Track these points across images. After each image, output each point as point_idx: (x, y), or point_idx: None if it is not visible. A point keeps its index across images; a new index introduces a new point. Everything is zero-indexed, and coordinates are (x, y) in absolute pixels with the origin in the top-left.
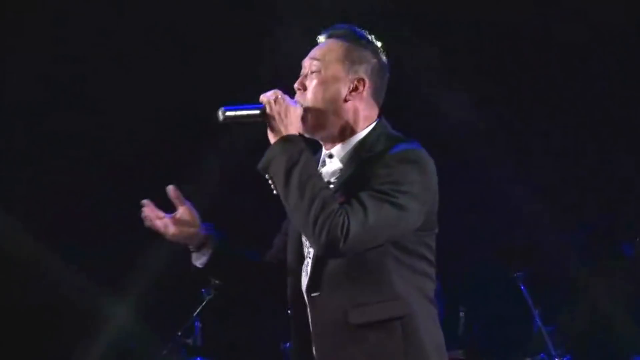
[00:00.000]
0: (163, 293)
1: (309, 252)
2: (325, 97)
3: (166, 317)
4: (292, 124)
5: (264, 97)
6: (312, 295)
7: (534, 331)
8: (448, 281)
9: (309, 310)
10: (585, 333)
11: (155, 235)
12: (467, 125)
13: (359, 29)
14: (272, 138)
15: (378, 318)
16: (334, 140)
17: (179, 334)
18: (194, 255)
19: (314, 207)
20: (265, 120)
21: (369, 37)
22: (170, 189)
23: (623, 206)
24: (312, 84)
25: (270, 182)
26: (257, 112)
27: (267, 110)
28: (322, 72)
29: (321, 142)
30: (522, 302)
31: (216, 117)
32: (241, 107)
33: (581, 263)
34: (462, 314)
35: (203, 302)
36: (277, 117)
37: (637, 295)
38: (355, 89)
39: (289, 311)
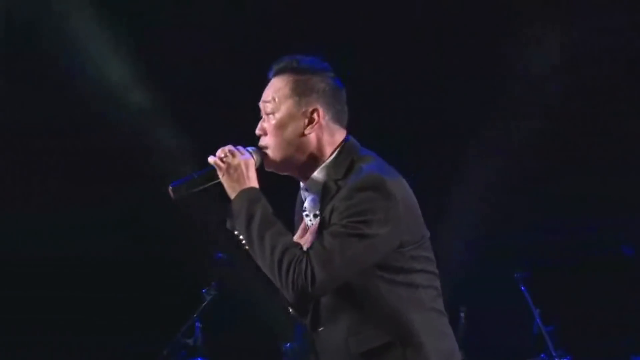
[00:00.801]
0: (164, 293)
1: None
2: (285, 138)
3: (167, 317)
4: (247, 177)
5: (211, 159)
6: (317, 330)
7: (535, 332)
8: (448, 282)
9: (315, 343)
10: (586, 333)
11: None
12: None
13: (301, 58)
14: (231, 195)
15: (376, 344)
16: (305, 174)
17: (180, 334)
18: None
19: (275, 258)
20: (217, 182)
21: (313, 63)
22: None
23: (624, 206)
24: (269, 127)
25: (240, 238)
26: (208, 176)
27: (218, 172)
28: (276, 113)
29: (296, 178)
30: (522, 303)
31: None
32: (189, 177)
33: (582, 263)
34: (462, 315)
35: (204, 302)
36: (227, 176)
37: (636, 296)
38: (311, 120)
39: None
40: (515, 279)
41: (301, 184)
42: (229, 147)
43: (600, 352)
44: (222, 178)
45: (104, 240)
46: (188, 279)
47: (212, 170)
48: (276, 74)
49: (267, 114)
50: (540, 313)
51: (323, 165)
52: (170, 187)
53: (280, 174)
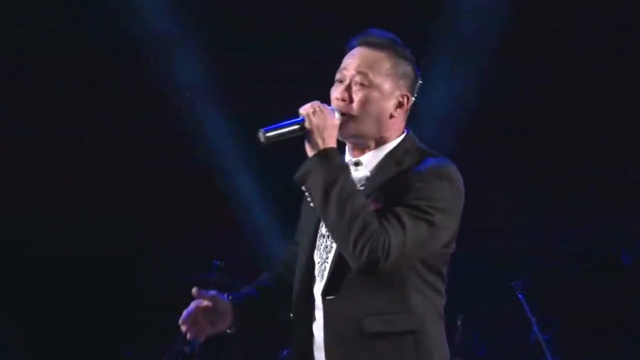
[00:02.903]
0: (159, 300)
1: (326, 256)
2: (372, 112)
3: (163, 324)
4: (331, 136)
5: (303, 110)
6: (328, 298)
7: (532, 340)
8: (445, 290)
9: (322, 313)
10: (583, 342)
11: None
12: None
13: (399, 39)
14: (309, 151)
15: (393, 329)
16: (364, 148)
17: (176, 341)
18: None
19: (354, 227)
20: (303, 133)
21: (407, 48)
22: (194, 291)
23: (622, 213)
24: (358, 96)
25: (307, 193)
26: (296, 126)
27: (307, 124)
28: (370, 86)
29: (349, 147)
30: (519, 311)
31: (257, 139)
32: (280, 124)
33: (579, 271)
34: (459, 323)
35: None
36: (315, 130)
37: (634, 304)
38: (400, 105)
39: (291, 315)
40: (512, 287)
41: (348, 155)
42: (318, 103)
43: None
44: (309, 132)
45: (96, 241)
46: (185, 285)
47: (301, 122)
48: (372, 46)
49: (359, 84)
50: (537, 321)
51: (385, 146)
52: (262, 131)
53: (340, 139)
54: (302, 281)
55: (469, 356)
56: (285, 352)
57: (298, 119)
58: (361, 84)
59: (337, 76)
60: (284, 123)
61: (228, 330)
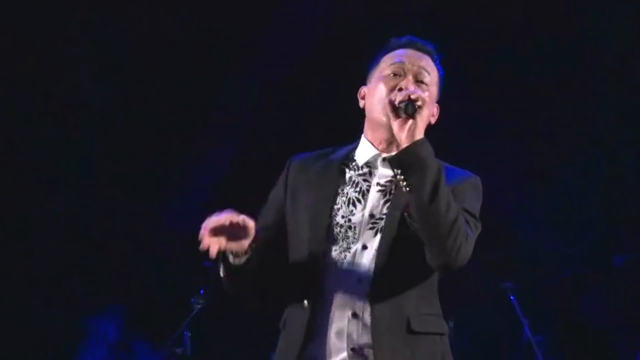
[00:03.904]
0: (153, 302)
1: (347, 245)
2: (426, 114)
3: (156, 327)
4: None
5: (418, 95)
6: (378, 293)
7: (524, 341)
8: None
9: (365, 306)
10: (575, 343)
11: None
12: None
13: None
14: (410, 138)
15: (430, 330)
16: (392, 147)
17: (169, 343)
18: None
19: (456, 226)
20: (409, 117)
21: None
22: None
23: (614, 216)
24: (425, 93)
25: (401, 175)
26: (410, 110)
27: (418, 112)
28: (429, 88)
29: (381, 139)
30: (511, 313)
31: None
32: (408, 101)
33: (571, 273)
34: (451, 325)
35: (193, 311)
36: (421, 120)
37: (626, 306)
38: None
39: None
40: (504, 289)
41: (373, 149)
42: (421, 92)
43: None
44: (416, 121)
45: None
46: (177, 288)
47: (413, 107)
48: (428, 54)
49: (423, 83)
50: (530, 323)
51: None
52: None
53: (387, 124)
54: (310, 268)
55: (461, 358)
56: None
57: (410, 102)
58: (424, 82)
59: (393, 69)
60: (406, 102)
61: (236, 260)
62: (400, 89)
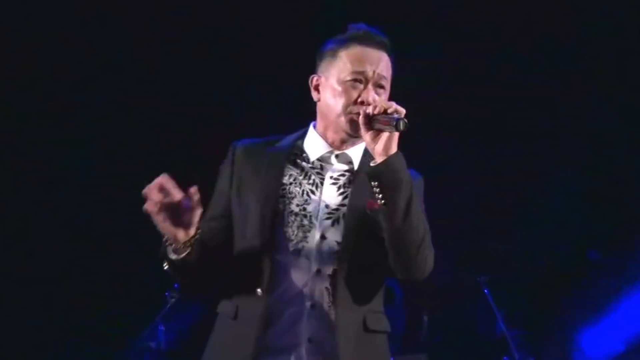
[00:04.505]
0: (126, 296)
1: (303, 235)
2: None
3: (129, 321)
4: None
5: (402, 111)
6: (336, 292)
7: (498, 335)
8: (411, 285)
9: (330, 307)
10: (549, 337)
11: (118, 236)
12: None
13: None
14: (386, 152)
15: (382, 328)
16: (346, 143)
17: (143, 337)
18: (169, 249)
19: (426, 238)
20: (391, 131)
21: None
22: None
23: (590, 212)
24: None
25: (377, 188)
26: (394, 125)
27: (398, 127)
28: (386, 91)
29: (335, 139)
30: (485, 306)
31: (400, 125)
32: (391, 117)
33: (545, 267)
34: (425, 319)
35: (167, 305)
36: (396, 134)
37: (600, 301)
38: None
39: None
40: (478, 282)
41: (325, 145)
42: (399, 107)
43: (562, 356)
44: (393, 134)
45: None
46: (151, 281)
47: (400, 123)
48: (384, 48)
49: (382, 88)
50: (504, 316)
51: (361, 145)
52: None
53: (350, 134)
54: (263, 257)
55: (435, 352)
56: None
57: (397, 117)
58: (383, 87)
59: (354, 76)
60: (394, 117)
61: (177, 256)
62: (363, 102)
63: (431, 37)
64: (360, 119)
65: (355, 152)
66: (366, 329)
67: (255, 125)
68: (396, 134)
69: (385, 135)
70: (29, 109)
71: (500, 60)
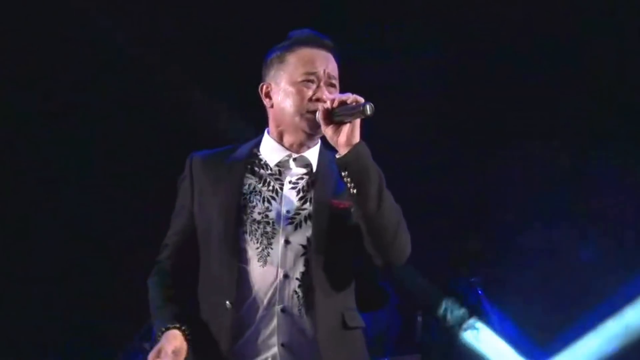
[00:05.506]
0: (120, 296)
1: (268, 242)
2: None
3: (123, 321)
4: None
5: (361, 100)
6: (308, 295)
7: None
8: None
9: (301, 310)
10: (544, 335)
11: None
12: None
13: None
14: (350, 141)
15: (359, 324)
16: (304, 146)
17: (137, 337)
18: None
19: (402, 223)
20: (358, 118)
21: None
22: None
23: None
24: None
25: (348, 178)
26: (360, 110)
27: (359, 115)
28: (337, 87)
29: (293, 141)
30: (479, 306)
31: (367, 110)
32: (352, 107)
33: (538, 265)
34: (419, 319)
35: None
36: (359, 123)
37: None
38: None
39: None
40: (472, 283)
41: (281, 149)
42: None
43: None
44: (357, 122)
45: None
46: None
47: (360, 111)
48: (330, 50)
49: (333, 87)
50: (497, 316)
51: (317, 145)
52: (371, 105)
53: (309, 133)
54: (229, 267)
55: (429, 352)
56: None
57: (363, 102)
58: (334, 86)
59: (306, 77)
60: (358, 106)
61: None
62: (318, 99)
63: (431, 37)
64: (319, 115)
65: (312, 155)
66: (345, 326)
67: (255, 125)
68: (357, 124)
69: (347, 127)
70: (29, 109)
71: (500, 60)
